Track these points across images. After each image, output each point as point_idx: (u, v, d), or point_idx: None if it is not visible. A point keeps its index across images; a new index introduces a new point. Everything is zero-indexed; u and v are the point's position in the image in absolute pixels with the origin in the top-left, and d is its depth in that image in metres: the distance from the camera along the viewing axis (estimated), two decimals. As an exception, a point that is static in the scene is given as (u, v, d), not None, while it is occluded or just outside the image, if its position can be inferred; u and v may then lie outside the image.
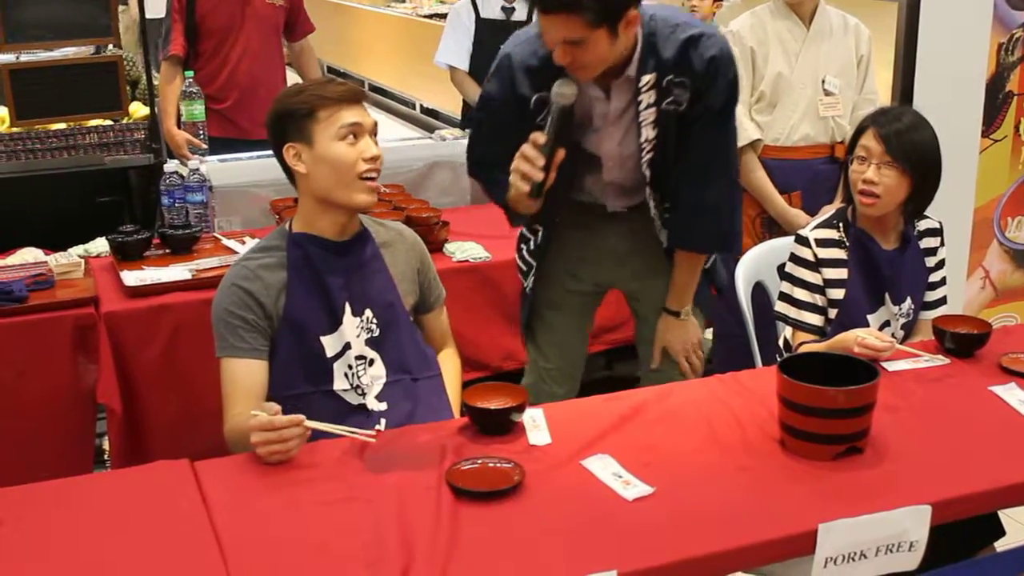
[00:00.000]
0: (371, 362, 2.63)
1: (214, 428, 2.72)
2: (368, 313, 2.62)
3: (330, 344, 2.58)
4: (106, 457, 3.50)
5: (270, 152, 3.38)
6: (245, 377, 2.52)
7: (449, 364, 2.86)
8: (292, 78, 4.80)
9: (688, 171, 2.84)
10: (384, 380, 2.64)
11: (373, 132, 2.55)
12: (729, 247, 3.04)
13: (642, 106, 2.77)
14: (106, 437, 3.40)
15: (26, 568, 1.97)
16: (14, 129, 3.96)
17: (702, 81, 2.72)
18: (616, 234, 3.07)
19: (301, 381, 2.54)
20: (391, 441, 2.37)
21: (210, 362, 2.88)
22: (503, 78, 2.86)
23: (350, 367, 2.60)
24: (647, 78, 2.74)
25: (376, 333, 2.63)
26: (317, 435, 2.34)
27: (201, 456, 2.34)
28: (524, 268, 3.15)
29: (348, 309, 2.60)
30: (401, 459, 2.28)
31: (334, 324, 2.59)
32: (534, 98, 2.78)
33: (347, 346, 2.60)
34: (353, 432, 2.34)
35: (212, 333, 2.85)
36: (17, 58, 4.09)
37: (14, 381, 3.18)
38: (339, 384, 2.60)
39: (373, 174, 2.53)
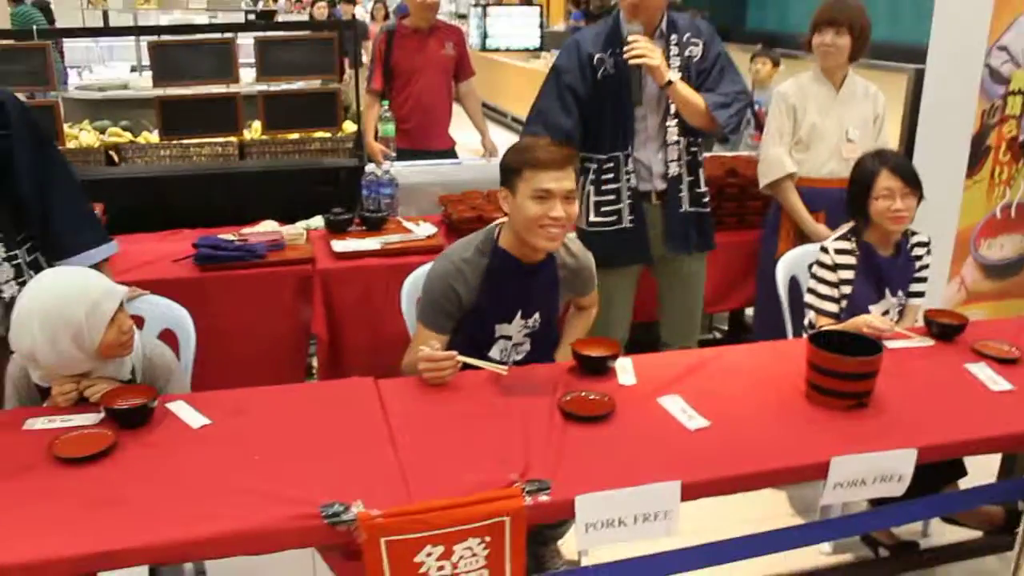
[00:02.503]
0: (521, 345, 2.58)
1: (392, 356, 2.73)
2: (536, 316, 2.55)
3: (499, 330, 2.53)
4: (314, 372, 3.53)
5: (440, 160, 3.34)
6: (427, 339, 2.43)
7: (583, 318, 2.77)
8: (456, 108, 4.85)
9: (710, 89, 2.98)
10: (524, 356, 2.59)
11: (565, 196, 2.35)
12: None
13: (670, 55, 2.95)
14: (315, 358, 3.45)
15: (261, 444, 2.00)
16: (264, 137, 4.01)
17: (708, 38, 2.98)
18: None
19: (468, 346, 2.44)
20: (518, 374, 2.34)
21: (391, 308, 2.90)
22: (571, 49, 3.02)
23: (504, 349, 2.56)
24: (673, 36, 2.96)
25: (535, 329, 2.56)
26: (465, 367, 2.33)
27: (382, 375, 2.35)
28: None
29: (520, 313, 2.52)
30: (525, 388, 2.26)
31: (506, 319, 2.52)
32: (596, 56, 2.96)
33: (509, 336, 2.55)
34: (492, 366, 2.32)
35: (394, 288, 2.87)
36: (268, 87, 4.14)
37: (255, 315, 3.22)
38: (493, 354, 2.54)
39: (554, 229, 2.37)
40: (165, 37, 4.03)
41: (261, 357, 3.24)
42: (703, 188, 3.13)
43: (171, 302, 2.60)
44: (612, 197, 3.04)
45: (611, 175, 3.02)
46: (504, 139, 4.83)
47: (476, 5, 16.37)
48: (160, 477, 1.88)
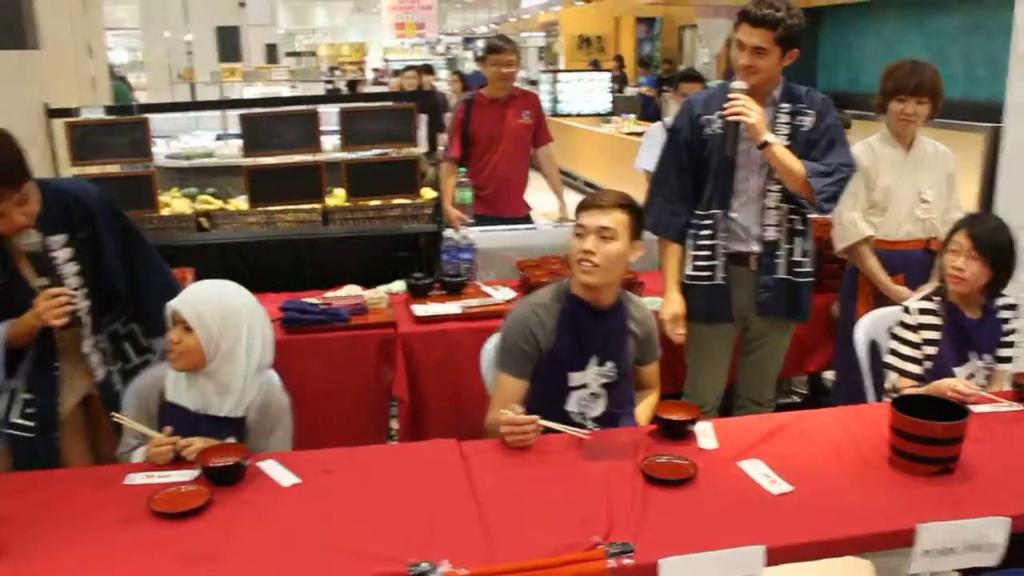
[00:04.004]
0: (598, 397, 2.61)
1: (472, 419, 2.78)
2: (610, 364, 2.59)
3: (574, 378, 2.58)
4: (393, 433, 3.58)
5: (517, 226, 3.39)
6: (510, 389, 2.54)
7: (651, 397, 2.79)
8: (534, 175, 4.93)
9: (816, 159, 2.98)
10: (602, 411, 2.62)
11: (599, 233, 2.49)
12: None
13: (779, 121, 2.98)
14: (394, 420, 3.50)
15: (348, 503, 2.06)
16: (347, 203, 4.14)
17: (822, 110, 3.00)
18: None
19: (546, 396, 2.52)
20: (599, 437, 2.37)
21: (471, 371, 2.95)
22: (683, 109, 3.13)
23: (583, 400, 2.60)
24: (786, 105, 2.99)
25: (611, 379, 2.60)
26: (547, 431, 2.36)
27: (462, 438, 2.39)
28: None
29: (595, 360, 2.58)
30: (606, 451, 2.28)
31: (581, 366, 2.58)
32: (703, 116, 3.03)
33: (585, 385, 2.59)
34: (573, 430, 2.35)
35: (475, 351, 2.92)
36: (350, 156, 4.27)
37: (339, 377, 3.29)
38: (570, 407, 2.59)
39: (586, 265, 2.50)
40: (254, 110, 4.20)
41: (344, 418, 3.30)
42: (802, 257, 3.10)
43: (274, 374, 2.68)
44: (707, 254, 3.07)
45: (708, 232, 3.06)
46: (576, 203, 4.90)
47: (546, 71, 16.68)
48: (253, 534, 1.94)
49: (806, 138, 2.98)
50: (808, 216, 3.09)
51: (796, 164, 2.90)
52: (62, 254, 2.43)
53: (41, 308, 2.34)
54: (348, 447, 2.39)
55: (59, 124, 3.95)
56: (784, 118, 2.99)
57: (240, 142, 7.18)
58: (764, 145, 2.89)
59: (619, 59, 17.66)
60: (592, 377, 2.59)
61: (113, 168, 4.28)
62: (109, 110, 4.15)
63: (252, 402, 2.43)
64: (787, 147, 2.92)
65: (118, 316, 2.60)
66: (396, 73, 10.92)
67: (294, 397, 2.62)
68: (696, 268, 3.09)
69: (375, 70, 21.25)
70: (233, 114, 9.16)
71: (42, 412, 2.52)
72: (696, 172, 3.07)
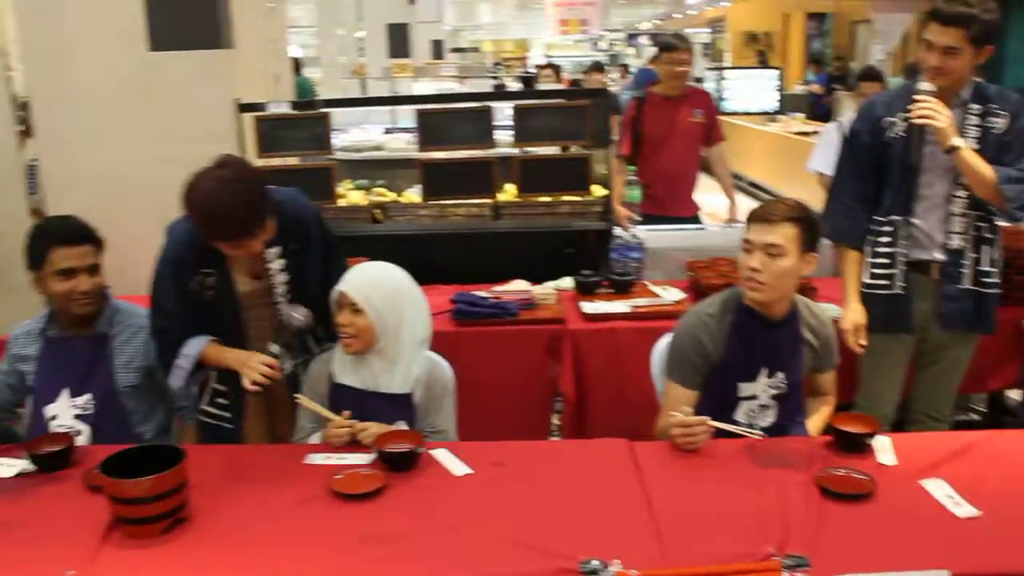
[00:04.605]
0: (767, 408, 2.56)
1: (637, 419, 2.77)
2: (780, 375, 2.54)
3: (743, 389, 2.54)
4: (552, 429, 3.59)
5: (686, 226, 3.35)
6: (679, 398, 2.51)
7: (825, 408, 2.71)
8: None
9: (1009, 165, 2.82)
10: (771, 422, 2.57)
11: (767, 250, 2.42)
12: None
13: (968, 123, 2.82)
14: (555, 416, 3.51)
15: (519, 496, 2.10)
16: (517, 199, 4.20)
17: (1016, 111, 2.83)
18: None
19: (714, 406, 2.47)
20: (773, 444, 2.32)
21: (638, 371, 2.95)
22: (863, 112, 3.01)
23: (752, 411, 2.55)
24: (976, 106, 2.83)
25: (782, 391, 2.55)
26: (718, 433, 2.33)
27: (626, 438, 2.38)
28: None
29: (765, 371, 2.53)
30: (779, 459, 2.24)
31: (751, 377, 2.53)
32: (885, 118, 2.91)
33: (755, 396, 2.55)
34: (746, 431, 2.32)
35: (642, 351, 2.92)
36: (523, 152, 4.32)
37: (505, 370, 3.33)
38: (739, 417, 2.54)
39: (751, 282, 2.45)
40: (430, 106, 4.30)
41: (509, 411, 3.34)
42: (990, 267, 2.95)
43: (433, 353, 2.76)
44: (886, 261, 2.95)
45: (887, 239, 2.94)
46: (742, 203, 4.81)
47: (712, 68, 16.41)
48: (427, 520, 2.01)
49: (998, 141, 2.82)
50: (997, 224, 2.93)
51: (986, 169, 2.76)
52: (276, 264, 2.58)
53: (251, 363, 2.46)
54: (518, 440, 2.44)
55: (248, 118, 4.16)
56: (974, 120, 2.83)
57: (408, 136, 7.40)
58: (952, 150, 2.76)
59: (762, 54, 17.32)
60: (762, 388, 2.54)
61: (294, 160, 4.47)
62: (294, 105, 4.34)
63: (418, 379, 2.52)
64: (976, 151, 2.78)
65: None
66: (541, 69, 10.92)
67: (461, 387, 2.69)
68: (874, 276, 2.98)
69: (537, 67, 21.41)
70: (401, 109, 9.45)
71: (232, 403, 2.69)
72: (876, 176, 2.96)
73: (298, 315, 2.49)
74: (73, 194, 3.92)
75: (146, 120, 4.02)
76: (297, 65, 10.01)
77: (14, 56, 4.20)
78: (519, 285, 3.64)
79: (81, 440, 2.57)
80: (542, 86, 8.24)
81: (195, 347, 2.55)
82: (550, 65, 8.75)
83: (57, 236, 2.65)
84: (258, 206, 2.36)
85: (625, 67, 9.41)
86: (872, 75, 4.99)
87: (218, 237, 2.37)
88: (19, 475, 2.28)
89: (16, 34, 4.13)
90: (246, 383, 2.43)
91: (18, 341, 2.76)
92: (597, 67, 9.19)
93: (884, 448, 2.30)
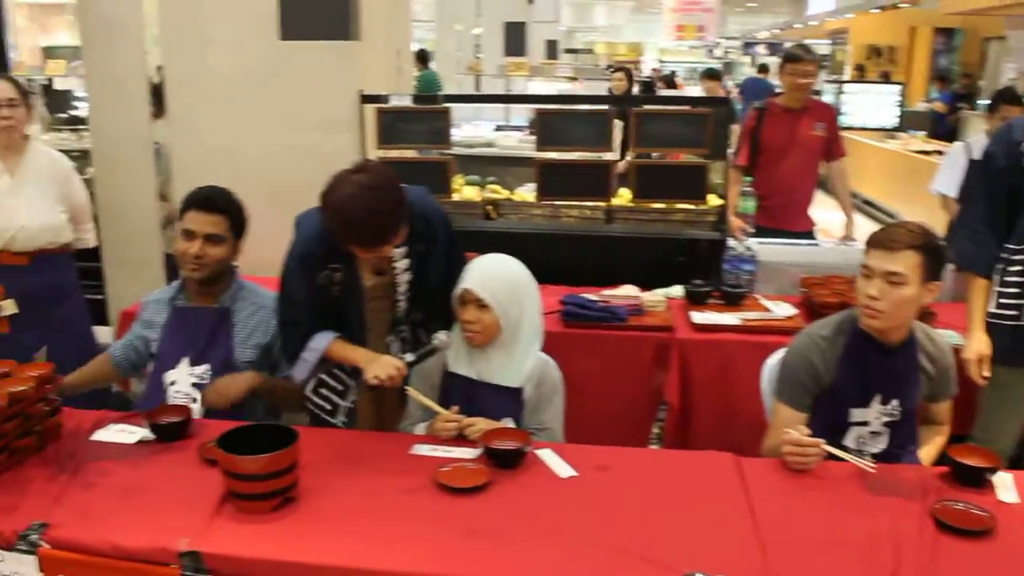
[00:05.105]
0: (879, 435, 2.49)
1: (742, 434, 2.73)
2: (894, 403, 2.47)
3: (854, 415, 2.48)
4: (651, 437, 3.54)
5: (800, 241, 3.26)
6: (788, 420, 2.45)
7: (940, 437, 2.64)
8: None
9: None
10: (882, 449, 2.50)
11: (886, 278, 2.34)
12: None
13: None
14: (656, 424, 3.47)
15: (623, 503, 2.08)
16: (631, 204, 4.18)
17: None
18: None
19: (824, 430, 2.39)
20: (885, 472, 2.25)
21: (746, 385, 2.90)
22: (1001, 135, 2.90)
23: (862, 436, 2.49)
24: None
25: (895, 418, 2.48)
26: (829, 456, 2.27)
27: (727, 449, 2.35)
28: None
29: (878, 398, 2.46)
30: (892, 488, 2.17)
31: (863, 403, 2.47)
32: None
33: (866, 423, 2.48)
34: (859, 460, 2.25)
35: (751, 365, 2.87)
36: (637, 157, 4.30)
37: (611, 374, 3.33)
38: (848, 443, 2.48)
39: (868, 310, 2.37)
40: (549, 106, 4.32)
41: (610, 415, 3.32)
42: None
43: (542, 353, 2.77)
44: (1016, 291, 2.84)
45: (1019, 267, 2.82)
46: (859, 223, 4.69)
47: (831, 82, 16.03)
48: (531, 519, 2.01)
49: None
50: None
51: None
52: (401, 264, 2.62)
53: (381, 362, 2.46)
54: (623, 447, 2.42)
55: (369, 109, 4.24)
56: None
57: (519, 134, 7.43)
58: None
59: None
60: (874, 415, 2.47)
61: (411, 152, 4.54)
62: (415, 99, 4.41)
63: (530, 374, 2.54)
64: None
65: (422, 309, 2.77)
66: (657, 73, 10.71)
67: (567, 388, 2.68)
68: (1001, 306, 2.87)
69: (654, 71, 21.24)
70: (514, 107, 9.50)
71: (344, 392, 2.75)
72: (1009, 202, 2.84)
73: (443, 337, 2.51)
74: (198, 175, 4.05)
75: (272, 107, 4.14)
76: (424, 58, 10.15)
77: (148, 39, 4.37)
78: (628, 290, 3.61)
79: (195, 407, 2.66)
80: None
81: (322, 342, 2.59)
82: (621, 69, 8.51)
83: (194, 200, 2.78)
84: (394, 214, 2.37)
85: (717, 76, 8.93)
86: (1013, 98, 4.79)
87: (353, 242, 2.39)
88: (139, 442, 2.37)
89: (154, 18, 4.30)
90: (369, 376, 2.45)
91: (149, 307, 2.91)
92: (711, 74, 9.01)
93: (1006, 485, 2.20)
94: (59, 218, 3.67)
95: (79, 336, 3.77)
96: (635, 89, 8.50)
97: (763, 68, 17.80)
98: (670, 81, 9.01)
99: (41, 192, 3.61)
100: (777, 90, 5.34)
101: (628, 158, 4.36)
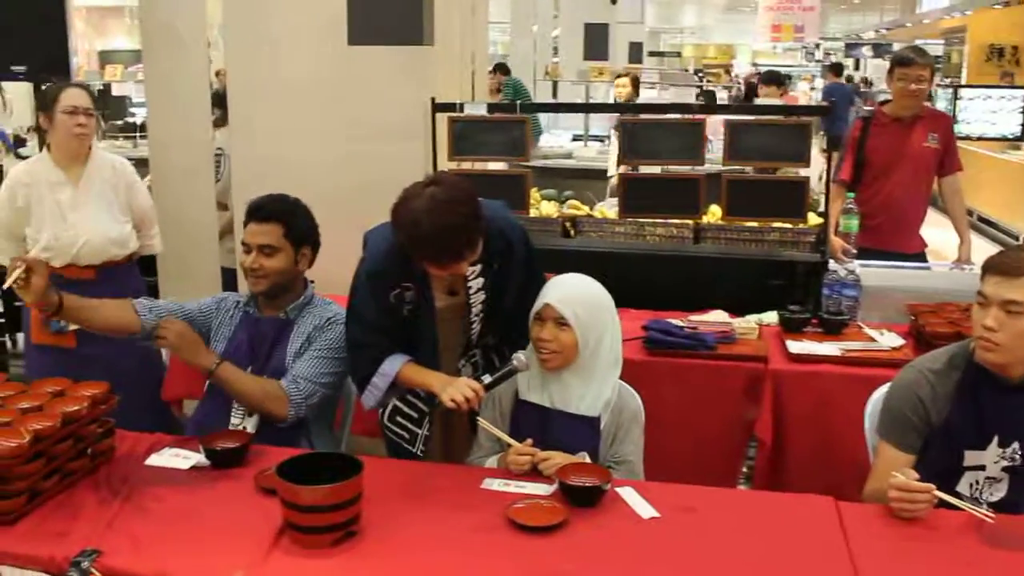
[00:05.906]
0: (997, 481, 2.41)
1: (841, 476, 2.69)
2: (1015, 446, 2.38)
3: (969, 458, 2.41)
4: (739, 477, 3.51)
5: (908, 264, 3.20)
6: (892, 461, 2.40)
7: None
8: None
9: None
10: (1000, 497, 2.41)
11: (1004, 307, 2.27)
12: None
13: None
14: (745, 462, 3.45)
15: (709, 547, 2.07)
16: (721, 221, 4.15)
17: None
18: None
19: (934, 474, 2.32)
20: (1006, 524, 2.19)
21: (847, 422, 2.86)
22: None
23: (977, 482, 2.42)
24: None
25: (1016, 463, 2.39)
26: (941, 504, 2.22)
27: (823, 492, 2.32)
28: None
29: (996, 440, 2.39)
30: (1013, 542, 2.11)
31: (980, 445, 2.40)
32: None
33: (983, 467, 2.41)
34: (976, 510, 2.20)
35: (852, 401, 2.83)
36: (731, 170, 4.27)
37: (698, 407, 3.30)
38: (962, 489, 2.41)
39: (984, 341, 2.31)
40: (639, 116, 4.32)
41: (697, 450, 3.30)
42: None
43: (622, 382, 2.77)
44: None
45: None
46: (975, 244, 4.59)
47: (944, 86, 15.71)
48: (609, 562, 2.01)
49: None
50: None
51: None
52: (475, 283, 2.65)
53: (456, 384, 2.48)
54: (709, 486, 2.41)
55: (441, 118, 4.29)
56: None
57: (599, 145, 7.42)
58: None
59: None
60: (992, 459, 2.40)
61: (484, 165, 4.58)
62: (490, 108, 4.44)
63: (608, 402, 2.54)
64: None
65: (495, 333, 2.79)
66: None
67: (648, 421, 2.68)
68: None
69: (755, 75, 21.06)
70: (594, 116, 9.50)
71: (420, 420, 2.80)
72: None
73: (521, 357, 2.53)
74: (261, 184, 4.15)
75: (339, 114, 4.22)
76: (507, 70, 10.24)
77: (210, 46, 4.49)
78: (718, 316, 3.59)
79: (250, 424, 2.72)
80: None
81: (394, 365, 2.61)
82: (626, 74, 8.27)
83: (248, 210, 2.87)
84: (469, 229, 2.39)
85: (780, 81, 7.86)
86: None
87: (425, 258, 2.42)
88: (193, 468, 2.43)
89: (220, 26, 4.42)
90: (445, 398, 2.46)
91: (225, 303, 2.97)
92: (773, 79, 8.20)
93: None
94: (124, 229, 3.80)
95: (143, 348, 3.88)
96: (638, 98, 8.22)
97: (836, 68, 17.23)
98: (779, 80, 7.92)
99: (106, 203, 3.74)
100: (881, 98, 5.26)
101: (621, 170, 4.31)
